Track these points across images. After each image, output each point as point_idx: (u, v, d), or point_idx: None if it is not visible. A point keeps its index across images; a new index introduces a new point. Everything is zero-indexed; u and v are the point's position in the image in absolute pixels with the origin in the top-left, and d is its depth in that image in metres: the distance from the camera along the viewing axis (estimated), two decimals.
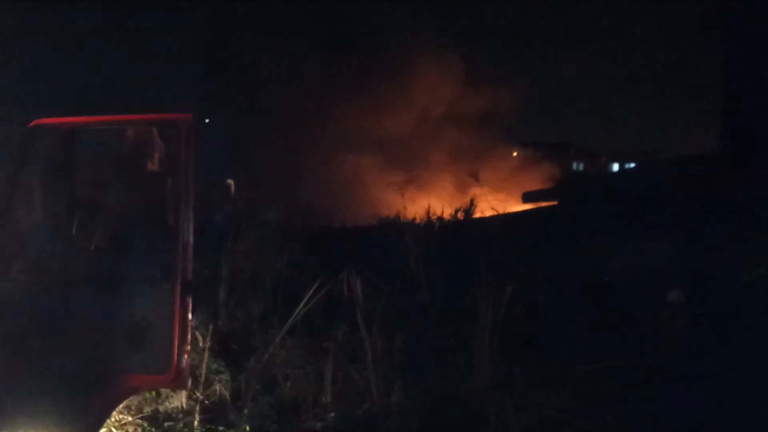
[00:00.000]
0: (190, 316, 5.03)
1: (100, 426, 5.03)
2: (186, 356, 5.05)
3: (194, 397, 6.52)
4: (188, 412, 6.37)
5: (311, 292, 7.13)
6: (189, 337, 5.11)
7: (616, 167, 45.73)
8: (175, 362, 4.91)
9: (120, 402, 5.40)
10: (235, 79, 23.38)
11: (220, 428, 6.32)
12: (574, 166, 43.29)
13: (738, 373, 7.63)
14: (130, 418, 5.98)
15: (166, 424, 6.15)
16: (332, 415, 6.90)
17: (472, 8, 60.66)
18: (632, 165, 37.71)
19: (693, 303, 8.68)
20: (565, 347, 7.81)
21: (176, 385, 5.29)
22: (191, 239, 5.10)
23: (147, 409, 6.23)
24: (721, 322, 8.73)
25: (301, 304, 7.08)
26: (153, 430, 6.00)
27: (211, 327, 7.11)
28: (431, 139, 25.72)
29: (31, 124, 5.37)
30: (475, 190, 17.78)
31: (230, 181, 14.32)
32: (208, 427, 6.32)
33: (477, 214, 13.68)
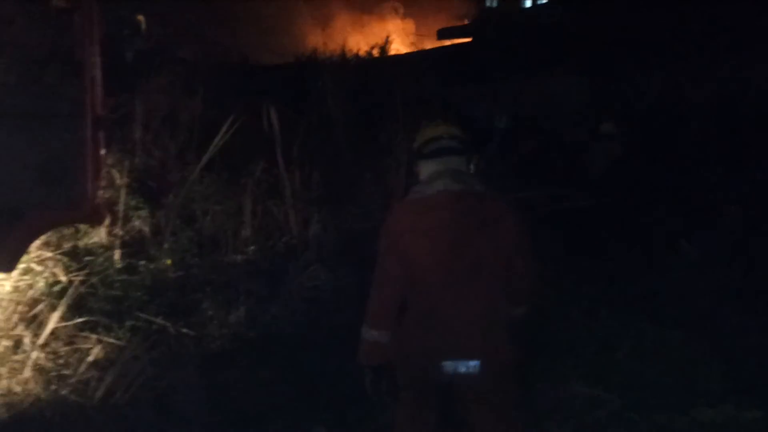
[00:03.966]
0: (102, 151, 5.03)
1: (17, 260, 5.09)
2: (100, 191, 5.09)
3: (114, 232, 6.58)
4: (108, 248, 6.43)
5: (227, 126, 7.13)
6: (102, 172, 5.14)
7: (528, 3, 45.41)
8: (90, 197, 4.95)
9: (36, 237, 5.44)
10: None
11: (141, 262, 6.44)
12: (488, 1, 42.84)
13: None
14: (50, 254, 6.02)
15: (86, 258, 6.22)
16: (252, 248, 7.08)
17: None
18: (544, 0, 37.45)
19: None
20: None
21: (92, 220, 5.37)
22: (99, 75, 5.03)
23: (66, 245, 6.27)
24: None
25: (217, 139, 7.10)
26: (73, 265, 6.07)
27: (127, 164, 7.10)
28: None
29: None
30: (392, 26, 17.57)
31: (140, 17, 13.77)
32: (128, 261, 6.42)
33: (393, 51, 13.64)
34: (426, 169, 3.86)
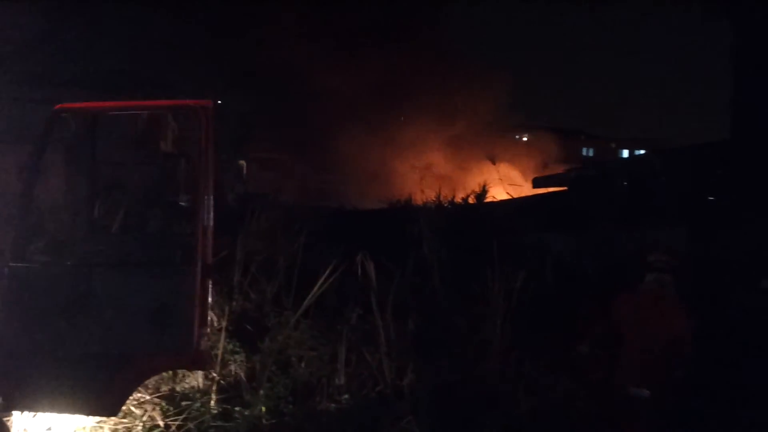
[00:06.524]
0: (210, 299, 5.13)
1: (122, 404, 5.15)
2: (205, 338, 5.15)
3: (210, 377, 6.62)
4: (205, 392, 6.47)
5: (325, 275, 7.21)
6: (208, 319, 5.22)
7: (625, 154, 45.80)
8: (196, 344, 5.02)
9: (141, 382, 5.50)
10: (247, 59, 23.34)
11: (236, 408, 6.43)
12: (584, 152, 43.37)
13: None
14: (148, 397, 6.09)
15: (183, 403, 6.25)
16: (346, 396, 7.00)
17: None
18: (642, 152, 37.73)
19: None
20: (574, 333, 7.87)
21: (196, 366, 5.42)
22: (211, 224, 5.18)
23: (164, 389, 6.33)
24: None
25: (316, 287, 7.17)
26: (171, 409, 6.10)
27: (226, 308, 7.21)
28: (442, 124, 25.68)
29: (55, 108, 5.46)
30: (488, 174, 17.77)
31: (242, 162, 14.38)
32: (224, 407, 6.43)
33: (489, 198, 13.72)
34: (648, 275, 6.36)
